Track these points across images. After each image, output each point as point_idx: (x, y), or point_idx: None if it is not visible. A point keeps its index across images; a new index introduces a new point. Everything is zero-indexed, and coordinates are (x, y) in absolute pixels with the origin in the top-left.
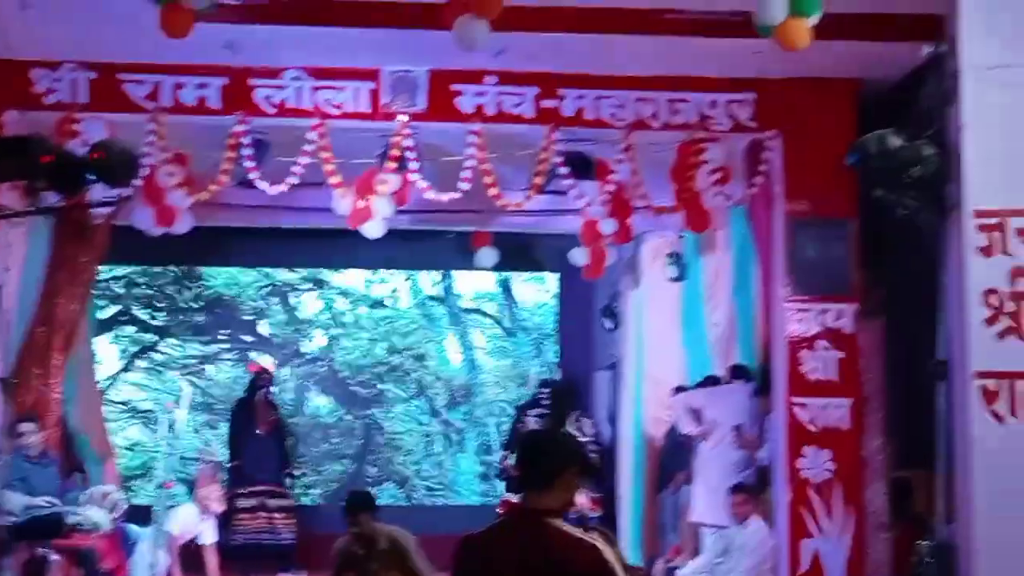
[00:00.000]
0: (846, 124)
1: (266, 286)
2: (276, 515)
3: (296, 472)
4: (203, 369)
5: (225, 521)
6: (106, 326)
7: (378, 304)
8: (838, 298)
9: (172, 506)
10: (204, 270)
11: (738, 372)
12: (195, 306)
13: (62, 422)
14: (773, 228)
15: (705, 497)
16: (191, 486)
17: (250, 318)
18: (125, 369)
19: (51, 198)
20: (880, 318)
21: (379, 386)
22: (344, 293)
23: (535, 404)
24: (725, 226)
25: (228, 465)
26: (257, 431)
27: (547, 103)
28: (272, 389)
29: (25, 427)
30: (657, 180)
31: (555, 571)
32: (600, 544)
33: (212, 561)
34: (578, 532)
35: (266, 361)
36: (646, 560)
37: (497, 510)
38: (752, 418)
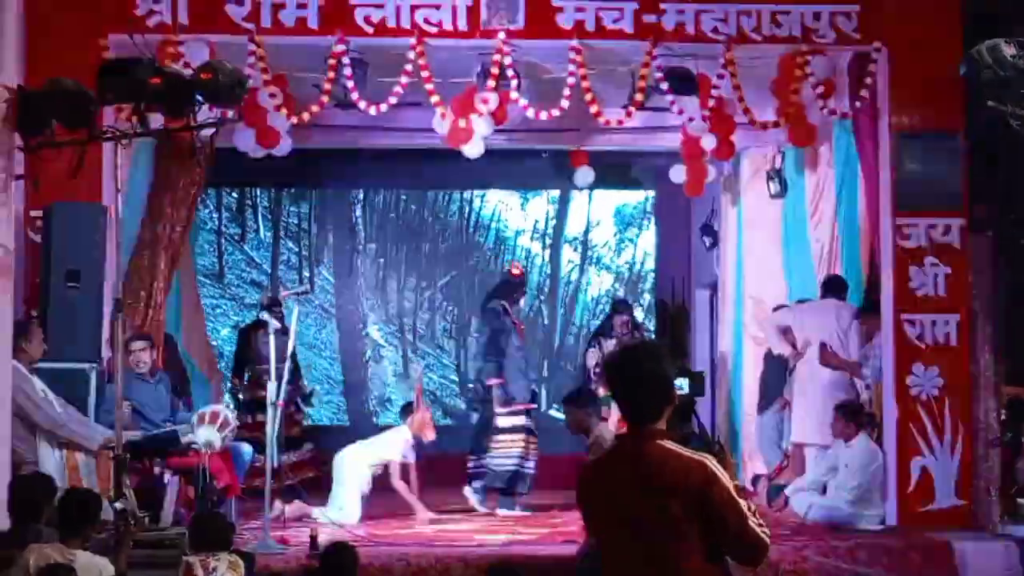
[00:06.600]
0: (952, 34)
1: None
2: (529, 437)
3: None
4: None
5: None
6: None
7: None
8: (946, 212)
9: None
10: None
11: (829, 286)
12: None
13: (169, 344)
14: (879, 142)
15: (807, 417)
16: (404, 410)
17: None
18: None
19: (156, 120)
20: (989, 232)
21: None
22: None
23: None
24: (828, 140)
25: (489, 382)
26: (516, 342)
27: (647, 18)
28: None
29: (136, 345)
30: (759, 95)
31: (670, 491)
32: (710, 461)
33: (415, 480)
34: (686, 451)
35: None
36: (750, 480)
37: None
38: (846, 333)
